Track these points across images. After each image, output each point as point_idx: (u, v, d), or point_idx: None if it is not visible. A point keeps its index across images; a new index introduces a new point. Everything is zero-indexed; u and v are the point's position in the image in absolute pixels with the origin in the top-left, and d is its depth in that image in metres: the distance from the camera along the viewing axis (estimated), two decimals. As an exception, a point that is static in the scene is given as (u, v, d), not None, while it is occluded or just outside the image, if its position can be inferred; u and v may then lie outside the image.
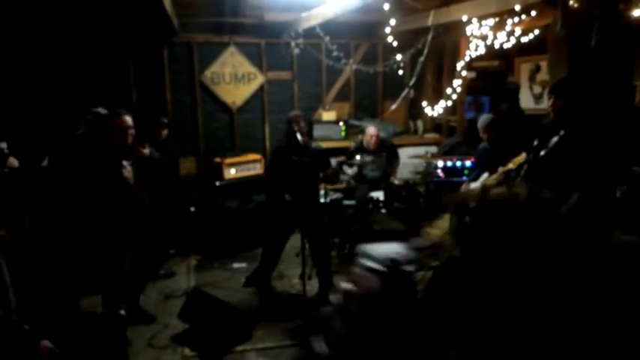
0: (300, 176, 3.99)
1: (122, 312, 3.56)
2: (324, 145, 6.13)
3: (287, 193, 4.05)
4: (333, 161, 5.40)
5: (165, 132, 4.68)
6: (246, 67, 6.31)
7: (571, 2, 2.84)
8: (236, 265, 5.02)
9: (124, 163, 3.39)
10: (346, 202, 4.99)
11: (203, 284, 4.50)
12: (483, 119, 4.51)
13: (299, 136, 3.95)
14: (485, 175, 4.34)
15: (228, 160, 5.60)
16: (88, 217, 3.15)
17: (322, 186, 5.27)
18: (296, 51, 6.38)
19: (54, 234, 3.13)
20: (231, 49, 6.22)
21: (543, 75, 5.98)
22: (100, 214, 3.19)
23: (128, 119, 3.38)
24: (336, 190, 5.22)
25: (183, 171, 6.05)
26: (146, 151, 3.61)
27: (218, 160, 5.62)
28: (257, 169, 5.74)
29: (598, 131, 2.49)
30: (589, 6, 2.73)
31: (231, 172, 5.57)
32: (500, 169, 4.20)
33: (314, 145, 4.32)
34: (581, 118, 2.61)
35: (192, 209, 5.45)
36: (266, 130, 6.50)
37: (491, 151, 4.36)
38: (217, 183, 5.46)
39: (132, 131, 3.39)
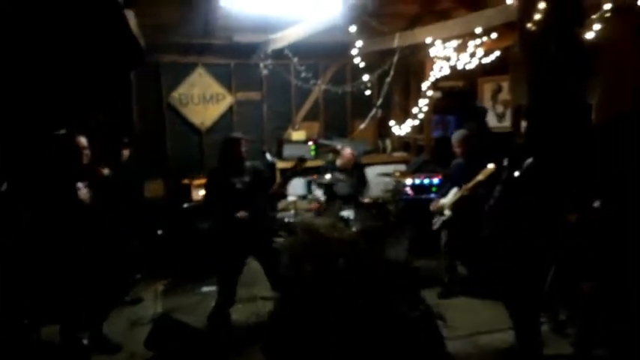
0: (242, 197, 3.88)
1: (84, 341, 3.41)
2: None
3: (235, 215, 3.82)
4: (303, 180, 5.38)
5: (127, 152, 4.57)
6: (215, 87, 6.30)
7: (529, 25, 2.96)
8: (206, 288, 4.89)
9: (79, 184, 3.28)
10: (317, 221, 4.97)
11: (172, 310, 4.36)
12: (458, 134, 4.61)
13: (268, 157, 3.93)
14: (455, 189, 4.42)
15: (197, 182, 5.51)
16: (45, 241, 3.02)
17: (293, 206, 5.28)
18: (265, 72, 6.42)
19: (11, 259, 2.99)
20: (200, 69, 6.20)
21: (505, 95, 6.20)
22: (55, 237, 3.07)
23: (82, 140, 3.29)
24: (306, 210, 5.22)
25: (151, 193, 5.91)
26: (105, 171, 3.52)
27: (187, 181, 5.53)
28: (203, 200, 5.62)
29: (562, 151, 2.60)
30: (545, 28, 2.86)
31: (200, 194, 5.48)
32: (464, 186, 4.30)
33: (250, 165, 4.12)
34: (546, 139, 2.71)
35: (160, 232, 5.32)
36: (236, 150, 6.45)
37: (464, 166, 4.45)
38: (185, 205, 5.36)
39: (87, 152, 3.30)
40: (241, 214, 3.81)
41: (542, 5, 2.86)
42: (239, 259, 3.97)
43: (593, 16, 3.90)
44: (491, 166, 4.04)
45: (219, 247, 3.99)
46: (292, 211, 5.36)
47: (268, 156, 4.26)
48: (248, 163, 4.07)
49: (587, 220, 2.63)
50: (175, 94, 6.13)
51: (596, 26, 3.77)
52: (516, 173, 3.02)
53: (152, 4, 5.02)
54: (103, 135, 3.99)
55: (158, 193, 5.99)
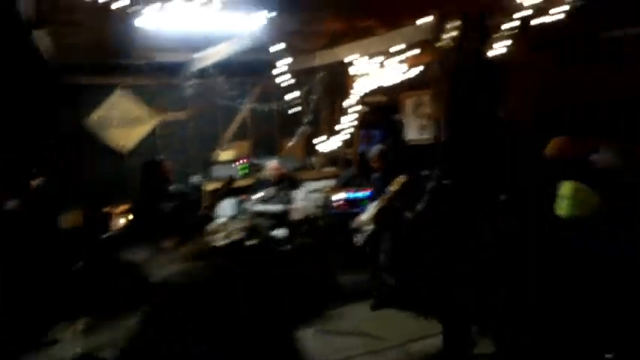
0: (168, 222, 3.77)
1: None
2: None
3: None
4: (234, 201, 5.27)
5: (37, 182, 4.24)
6: (137, 109, 6.04)
7: (445, 43, 3.13)
8: (134, 320, 4.60)
9: None
10: (249, 242, 4.87)
11: (96, 348, 4.04)
12: (374, 149, 4.75)
13: (195, 180, 3.81)
14: (374, 203, 4.53)
15: (120, 209, 5.21)
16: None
17: (223, 228, 5.10)
18: (190, 92, 6.25)
19: None
20: (120, 91, 5.93)
21: (426, 108, 6.50)
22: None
23: None
24: (236, 231, 5.08)
25: (68, 224, 5.48)
26: (12, 203, 3.23)
27: (108, 209, 5.22)
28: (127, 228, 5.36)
29: (475, 163, 2.75)
30: (460, 46, 3.03)
31: (122, 222, 5.18)
32: (382, 197, 4.42)
33: (175, 188, 4.08)
34: (461, 151, 2.87)
35: (79, 265, 4.94)
36: (161, 173, 6.19)
37: (382, 180, 4.57)
38: (107, 234, 5.04)
39: None
40: (168, 241, 3.65)
41: (454, 24, 3.04)
42: None
43: (501, 34, 4.22)
44: (402, 177, 4.19)
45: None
46: (223, 234, 5.21)
47: (193, 178, 4.12)
48: (172, 187, 3.93)
49: (495, 230, 2.78)
50: (94, 117, 5.80)
51: (500, 44, 4.08)
52: (445, 181, 3.13)
53: (67, 24, 4.74)
54: (8, 164, 3.66)
55: (76, 223, 5.57)
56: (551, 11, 3.72)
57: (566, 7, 3.58)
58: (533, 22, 3.86)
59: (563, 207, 2.77)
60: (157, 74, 6.03)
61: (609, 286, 2.45)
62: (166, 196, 3.82)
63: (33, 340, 3.74)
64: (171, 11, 3.89)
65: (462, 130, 2.86)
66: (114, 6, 3.76)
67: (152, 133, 6.19)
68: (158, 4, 3.78)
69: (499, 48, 4.16)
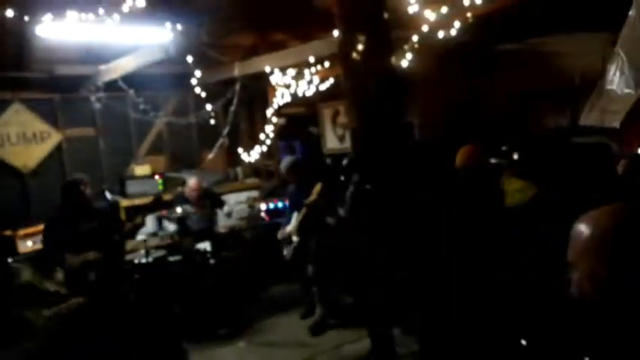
0: (89, 243, 3.61)
1: None
2: (141, 201, 5.81)
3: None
4: (152, 217, 5.11)
5: None
6: (37, 125, 5.61)
7: (354, 56, 3.28)
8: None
9: None
10: (171, 258, 4.72)
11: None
12: (285, 162, 4.77)
13: (108, 197, 3.65)
14: (295, 214, 4.54)
15: (23, 232, 4.81)
16: None
17: (143, 245, 4.92)
18: (98, 105, 5.93)
19: None
20: (16, 106, 5.48)
21: (342, 118, 6.72)
22: None
23: None
24: (158, 247, 4.91)
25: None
26: None
27: (9, 232, 4.79)
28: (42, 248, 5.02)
29: (386, 169, 2.92)
30: (366, 58, 3.19)
31: (28, 245, 4.79)
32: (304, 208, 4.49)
33: (101, 206, 3.93)
34: (371, 158, 3.02)
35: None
36: (70, 192, 5.81)
37: (298, 191, 4.60)
38: (10, 259, 4.62)
39: None
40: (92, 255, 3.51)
41: (361, 38, 3.20)
42: None
43: (406, 47, 4.50)
44: (318, 185, 4.27)
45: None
46: (142, 251, 5.00)
47: (108, 195, 3.93)
48: (94, 206, 3.78)
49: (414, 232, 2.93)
50: (-13, 135, 5.31)
51: (408, 56, 4.36)
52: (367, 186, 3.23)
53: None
54: None
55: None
56: (452, 26, 4.05)
57: (462, 23, 3.90)
58: (436, 35, 4.17)
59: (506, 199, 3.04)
60: (58, 88, 5.65)
61: (536, 275, 2.63)
62: (88, 216, 3.63)
63: None
64: (70, 22, 3.72)
65: (373, 140, 3.01)
66: (2, 15, 3.52)
67: (57, 150, 5.78)
68: (50, 15, 3.59)
69: (405, 61, 4.45)
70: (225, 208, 5.51)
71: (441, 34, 4.13)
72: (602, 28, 4.01)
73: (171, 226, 5.16)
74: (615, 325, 1.02)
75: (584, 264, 1.06)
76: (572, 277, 1.09)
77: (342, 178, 3.64)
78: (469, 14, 3.72)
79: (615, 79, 2.05)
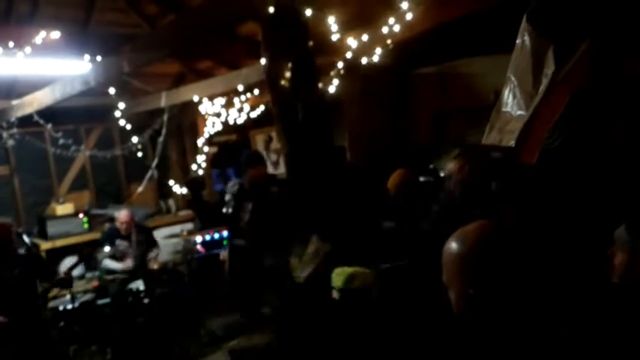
0: (14, 292, 3.33)
1: None
2: (64, 242, 5.43)
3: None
4: (71, 259, 4.80)
5: None
6: (-60, 166, 5.14)
7: (282, 82, 3.32)
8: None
9: None
10: (100, 301, 4.43)
11: None
12: (232, 184, 4.72)
13: (26, 240, 3.38)
14: None
15: None
16: None
17: (65, 291, 4.60)
18: (11, 142, 5.53)
19: None
20: None
21: (276, 144, 6.74)
22: None
23: None
24: (85, 292, 4.59)
25: None
26: None
27: None
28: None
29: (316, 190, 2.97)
30: (294, 85, 3.25)
31: None
32: None
33: (21, 252, 3.65)
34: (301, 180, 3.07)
35: None
36: (-19, 238, 5.32)
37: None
38: None
39: None
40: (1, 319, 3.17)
41: (288, 65, 3.25)
42: None
43: (331, 73, 4.63)
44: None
45: None
46: (68, 296, 4.65)
47: (26, 238, 3.64)
48: (20, 251, 3.47)
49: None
50: None
51: (334, 81, 4.48)
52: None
53: None
54: None
55: None
56: (372, 52, 4.22)
57: (382, 49, 4.09)
58: (360, 61, 4.33)
59: None
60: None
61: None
62: (9, 264, 3.32)
63: None
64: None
65: (306, 164, 3.05)
66: None
67: (-35, 193, 5.31)
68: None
69: (331, 86, 4.57)
70: (156, 242, 5.28)
71: (364, 60, 4.28)
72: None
73: (98, 268, 4.85)
74: (489, 340, 1.02)
75: (455, 283, 1.06)
76: (450, 296, 1.08)
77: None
78: (389, 41, 3.90)
79: (509, 102, 2.23)
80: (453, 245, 1.06)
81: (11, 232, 3.48)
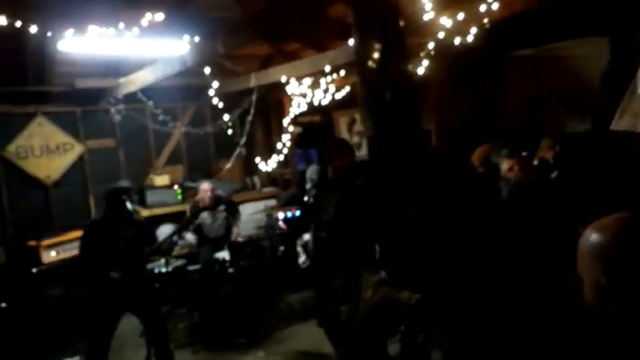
0: (126, 251, 3.67)
1: None
2: (160, 211, 5.88)
3: (112, 270, 3.60)
4: (170, 227, 5.14)
5: None
6: (59, 137, 5.74)
7: (369, 64, 3.30)
8: (67, 361, 4.32)
9: None
10: (190, 267, 4.76)
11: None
12: (312, 170, 4.79)
13: (129, 206, 3.70)
14: None
15: (47, 242, 4.90)
16: None
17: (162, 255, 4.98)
18: (117, 117, 6.06)
19: None
20: (39, 119, 5.62)
21: (359, 126, 6.73)
22: None
23: None
24: (178, 257, 4.96)
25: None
26: None
27: (33, 243, 4.89)
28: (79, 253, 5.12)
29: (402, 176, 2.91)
30: (382, 67, 3.20)
31: (52, 255, 4.88)
32: None
33: (136, 217, 4.02)
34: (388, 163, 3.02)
35: (3, 305, 4.57)
36: (90, 203, 5.92)
37: None
38: (34, 269, 4.72)
39: None
40: (113, 274, 3.55)
41: (377, 46, 3.21)
42: (113, 316, 3.61)
43: (421, 54, 4.50)
44: None
45: (93, 303, 3.63)
46: (162, 260, 5.06)
47: (129, 205, 3.98)
48: (136, 217, 3.91)
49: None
50: (11, 148, 5.44)
51: (424, 62, 4.36)
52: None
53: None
54: None
55: (-3, 260, 5.18)
56: (467, 32, 4.04)
57: (476, 29, 3.89)
58: (450, 42, 4.16)
59: None
60: (79, 101, 5.79)
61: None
62: (127, 225, 3.70)
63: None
64: (90, 37, 3.81)
65: (390, 148, 3.01)
66: (24, 32, 3.62)
67: (79, 162, 5.91)
68: (72, 30, 3.68)
69: (420, 68, 4.44)
70: (242, 216, 5.53)
71: (457, 40, 4.11)
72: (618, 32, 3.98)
73: (189, 236, 5.20)
74: (617, 334, 1.02)
75: (588, 273, 1.07)
76: (583, 287, 1.09)
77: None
78: (485, 20, 3.71)
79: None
80: (589, 234, 1.08)
81: (128, 195, 3.85)
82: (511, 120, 5.57)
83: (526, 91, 5.56)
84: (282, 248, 5.57)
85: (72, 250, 5.03)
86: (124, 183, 4.06)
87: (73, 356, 4.38)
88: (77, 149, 5.87)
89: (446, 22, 3.82)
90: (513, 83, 5.64)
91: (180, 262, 4.83)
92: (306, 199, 3.90)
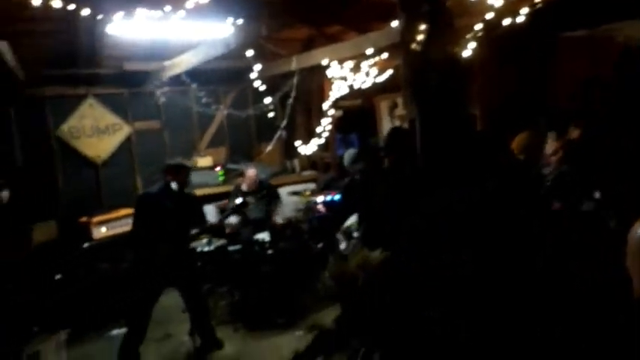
0: (175, 225, 3.78)
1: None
2: (202, 192, 6.03)
3: (161, 243, 3.73)
4: (213, 207, 5.21)
5: (6, 194, 4.18)
6: (108, 118, 5.97)
7: (413, 46, 3.22)
8: (115, 331, 4.54)
9: None
10: (231, 247, 4.88)
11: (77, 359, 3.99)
12: (349, 155, 4.75)
13: (173, 185, 3.80)
14: (354, 218, 4.37)
15: (97, 219, 5.15)
16: None
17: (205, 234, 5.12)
18: (162, 99, 6.22)
19: None
20: (90, 100, 5.85)
21: (400, 110, 6.63)
22: None
23: None
24: (220, 237, 5.08)
25: (43, 237, 5.38)
26: None
27: (84, 219, 5.14)
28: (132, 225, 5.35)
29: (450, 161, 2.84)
30: (427, 49, 3.12)
31: (102, 231, 5.12)
32: None
33: (192, 194, 4.15)
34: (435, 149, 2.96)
35: (58, 277, 4.86)
36: (137, 182, 6.14)
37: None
38: (86, 245, 4.97)
39: None
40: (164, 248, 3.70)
41: (422, 27, 3.13)
42: (156, 288, 3.74)
43: (468, 36, 4.35)
44: None
45: (139, 275, 3.77)
46: (205, 240, 5.21)
47: (174, 185, 4.11)
48: (187, 192, 4.01)
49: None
50: (65, 128, 5.71)
51: (471, 45, 4.21)
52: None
53: (31, 35, 4.66)
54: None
55: (51, 235, 5.47)
56: (515, 13, 3.86)
57: (527, 10, 3.72)
58: (499, 23, 4.00)
59: None
60: (127, 83, 5.98)
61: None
62: (180, 200, 3.82)
63: (14, 354, 3.65)
64: (138, 20, 3.89)
65: (434, 133, 2.94)
66: (76, 15, 3.73)
67: (127, 142, 6.12)
68: (122, 13, 3.76)
69: (466, 50, 4.30)
70: (281, 199, 5.60)
71: (506, 22, 3.95)
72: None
73: (232, 217, 5.31)
74: None
75: (638, 266, 1.05)
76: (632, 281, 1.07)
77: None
78: (537, -1, 3.54)
79: None
80: (638, 229, 1.06)
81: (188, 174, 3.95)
82: (563, 101, 5.33)
83: (580, 73, 5.29)
84: (320, 233, 5.60)
85: (121, 227, 5.25)
86: (184, 160, 4.18)
87: (122, 328, 4.60)
88: (125, 130, 6.08)
89: (495, 1, 3.66)
90: (564, 64, 5.38)
91: (221, 242, 4.95)
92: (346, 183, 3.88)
